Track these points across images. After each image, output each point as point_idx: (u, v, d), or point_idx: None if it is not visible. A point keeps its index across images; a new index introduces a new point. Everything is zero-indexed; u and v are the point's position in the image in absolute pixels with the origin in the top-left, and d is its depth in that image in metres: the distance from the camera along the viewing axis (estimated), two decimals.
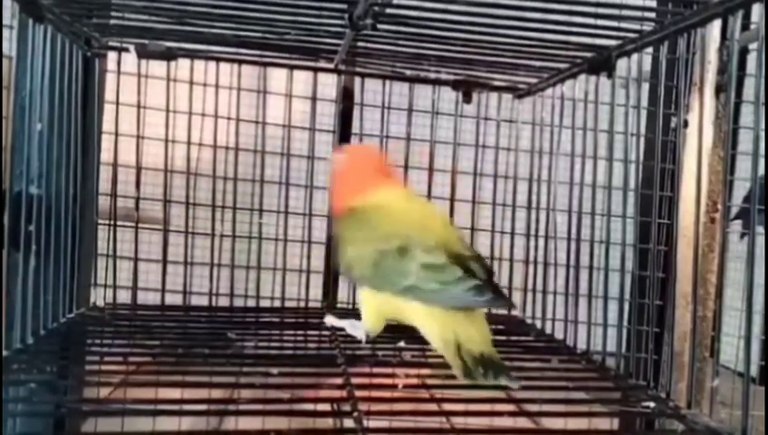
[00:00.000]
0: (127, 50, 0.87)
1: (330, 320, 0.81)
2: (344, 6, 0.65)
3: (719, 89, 0.97)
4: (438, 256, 0.63)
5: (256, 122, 0.98)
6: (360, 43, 0.80)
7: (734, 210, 1.18)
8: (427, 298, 0.63)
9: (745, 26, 1.04)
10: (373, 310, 0.70)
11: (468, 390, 0.59)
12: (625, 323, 0.78)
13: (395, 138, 1.00)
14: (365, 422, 0.51)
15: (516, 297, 0.98)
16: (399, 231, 0.66)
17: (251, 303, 0.95)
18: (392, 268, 0.64)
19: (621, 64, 0.74)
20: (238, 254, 0.95)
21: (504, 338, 0.88)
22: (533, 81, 0.92)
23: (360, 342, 0.75)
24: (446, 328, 0.61)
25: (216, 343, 0.74)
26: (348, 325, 0.77)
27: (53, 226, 0.75)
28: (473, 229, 1.00)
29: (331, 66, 0.93)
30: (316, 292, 1.01)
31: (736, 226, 1.16)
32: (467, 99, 0.97)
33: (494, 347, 0.61)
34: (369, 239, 0.67)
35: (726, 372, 1.09)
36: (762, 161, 0.53)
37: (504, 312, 0.99)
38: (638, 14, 0.67)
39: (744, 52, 1.15)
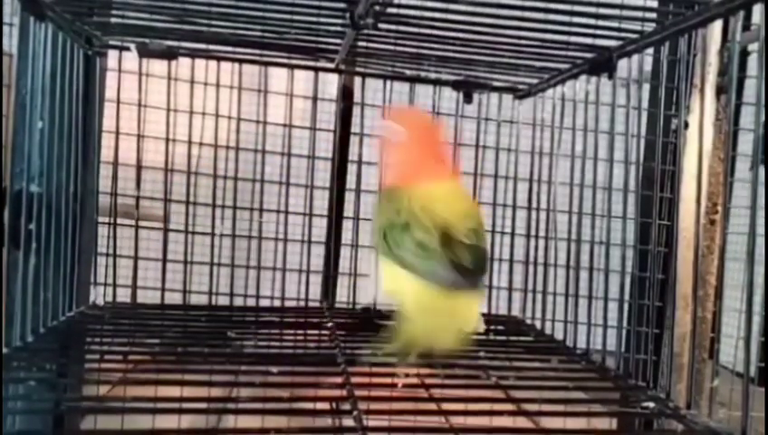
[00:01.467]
0: (128, 48, 0.87)
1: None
2: (345, 6, 0.65)
3: (720, 90, 0.97)
4: (430, 238, 0.67)
5: (257, 121, 0.98)
6: (360, 43, 0.80)
7: (734, 211, 1.18)
8: (411, 269, 0.68)
9: (746, 27, 1.04)
10: (385, 275, 0.74)
11: (467, 389, 0.59)
12: (625, 323, 0.78)
13: None
14: (364, 421, 0.51)
15: (516, 298, 0.98)
16: (412, 209, 0.70)
17: (250, 302, 0.95)
18: (393, 240, 0.69)
19: (622, 65, 0.74)
20: (238, 253, 0.95)
21: (504, 338, 0.88)
22: (534, 81, 0.92)
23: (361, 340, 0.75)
24: (421, 303, 0.66)
25: (216, 342, 0.74)
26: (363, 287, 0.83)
27: (54, 224, 0.75)
28: None
29: (332, 66, 0.93)
30: (316, 291, 1.01)
31: (737, 227, 1.16)
32: (468, 99, 0.97)
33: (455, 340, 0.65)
34: (388, 212, 0.72)
35: (725, 372, 1.09)
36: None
37: (504, 312, 0.99)
38: (639, 14, 0.67)
39: (744, 54, 1.15)
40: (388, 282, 0.72)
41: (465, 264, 0.66)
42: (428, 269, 0.66)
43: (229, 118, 0.97)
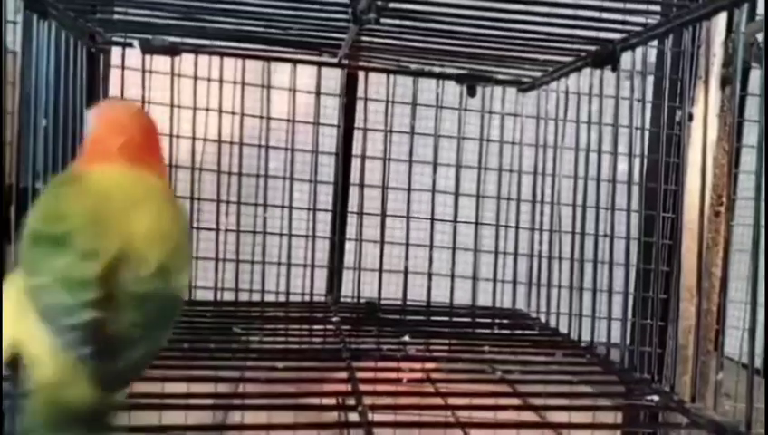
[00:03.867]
0: (131, 45, 0.87)
1: None
2: (347, 1, 0.65)
3: (725, 81, 0.96)
4: (89, 268, 0.43)
5: (260, 117, 0.98)
6: (363, 38, 0.80)
7: (739, 202, 1.18)
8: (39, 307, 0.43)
9: (752, 18, 1.04)
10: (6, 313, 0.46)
11: (472, 384, 0.60)
12: (629, 316, 0.78)
13: (399, 132, 1.00)
14: (370, 416, 0.52)
15: (521, 291, 0.98)
16: (72, 217, 0.46)
17: (256, 297, 0.95)
18: (33, 257, 0.45)
19: (626, 57, 0.73)
20: (243, 248, 0.95)
21: (508, 332, 0.88)
22: (538, 74, 0.92)
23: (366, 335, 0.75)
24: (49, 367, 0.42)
25: (222, 338, 0.75)
26: None
27: None
28: (477, 223, 1.00)
29: (335, 60, 0.93)
30: (321, 286, 1.01)
31: (742, 218, 1.16)
32: (471, 92, 0.97)
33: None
34: (38, 208, 0.48)
35: (731, 363, 1.09)
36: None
37: (508, 305, 0.99)
38: (643, 7, 0.66)
39: (750, 45, 1.14)
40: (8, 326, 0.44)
41: (112, 333, 0.41)
42: (64, 322, 0.41)
43: (233, 114, 0.97)
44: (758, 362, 0.55)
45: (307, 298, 0.97)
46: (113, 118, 0.54)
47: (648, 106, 0.86)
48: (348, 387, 0.58)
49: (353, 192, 1.04)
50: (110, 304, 0.42)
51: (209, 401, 0.55)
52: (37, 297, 0.43)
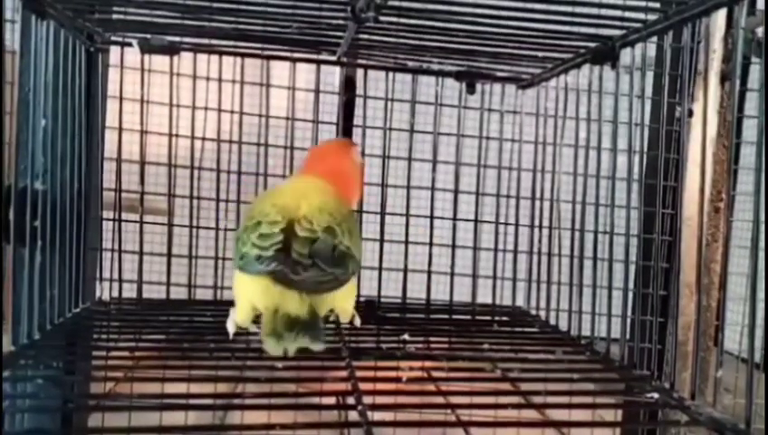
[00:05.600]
0: (130, 44, 0.87)
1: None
2: None
3: (724, 77, 0.96)
4: (273, 229, 0.64)
5: (259, 115, 0.98)
6: (362, 36, 0.80)
7: (739, 198, 1.18)
8: (243, 264, 0.64)
9: (751, 13, 1.03)
10: (236, 292, 0.69)
11: (472, 382, 0.60)
12: (629, 313, 0.78)
13: (398, 129, 1.00)
14: (370, 415, 0.52)
15: (521, 288, 0.98)
16: (263, 208, 0.67)
17: None
18: (242, 241, 0.65)
19: (625, 53, 0.73)
20: None
21: (508, 329, 0.89)
22: (537, 71, 0.91)
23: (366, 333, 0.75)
24: (268, 296, 0.62)
25: (222, 338, 0.74)
26: (229, 317, 0.72)
27: (58, 221, 0.76)
28: (476, 220, 1.00)
29: (334, 58, 0.93)
30: None
31: (741, 214, 1.16)
32: (471, 90, 0.97)
33: (317, 314, 0.61)
34: (244, 221, 0.68)
35: (731, 359, 1.09)
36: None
37: (508, 302, 0.99)
38: (643, 3, 0.66)
39: (750, 40, 1.14)
40: (237, 297, 0.68)
41: (296, 256, 0.62)
42: (257, 259, 0.62)
43: (231, 112, 0.97)
44: (758, 357, 0.56)
45: None
46: (322, 150, 0.84)
47: (648, 102, 0.85)
48: (348, 386, 0.58)
49: None
50: (289, 246, 0.62)
51: (209, 401, 0.55)
52: (244, 259, 0.64)
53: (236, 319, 0.68)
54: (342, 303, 0.70)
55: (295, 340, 0.57)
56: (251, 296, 0.65)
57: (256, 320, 0.66)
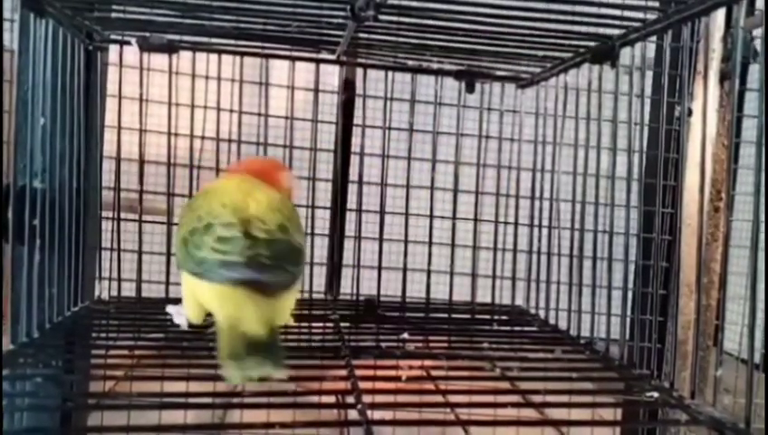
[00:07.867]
0: (129, 43, 0.87)
1: (168, 308, 0.80)
2: None
3: (724, 76, 0.96)
4: (232, 230, 0.61)
5: (258, 114, 0.98)
6: (361, 35, 0.80)
7: (739, 198, 1.18)
8: (203, 270, 0.61)
9: (751, 13, 1.04)
10: (187, 294, 0.68)
11: (472, 381, 0.60)
12: (629, 312, 0.78)
13: (397, 129, 1.00)
14: (369, 414, 0.52)
15: (520, 287, 0.98)
16: (212, 209, 0.64)
17: None
18: (195, 244, 0.63)
19: (625, 52, 0.73)
20: None
21: (507, 328, 0.88)
22: (536, 70, 0.91)
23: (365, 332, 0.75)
24: (230, 304, 0.59)
25: None
26: (174, 312, 0.77)
27: (57, 219, 0.76)
28: (476, 220, 1.00)
29: (333, 57, 0.93)
30: (320, 283, 1.01)
31: (741, 214, 1.16)
32: (470, 89, 0.97)
33: (275, 331, 0.57)
34: (189, 222, 0.66)
35: (731, 359, 1.09)
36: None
37: (507, 302, 0.99)
38: (642, 3, 0.66)
39: (749, 40, 1.14)
40: (189, 299, 0.68)
41: (262, 260, 0.60)
42: (222, 266, 0.59)
43: (231, 111, 0.96)
44: (757, 358, 0.56)
45: (306, 295, 0.96)
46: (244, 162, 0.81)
47: (647, 102, 0.85)
48: (347, 385, 0.58)
49: (352, 189, 1.04)
50: (249, 249, 0.60)
51: (208, 400, 0.55)
52: (203, 265, 0.61)
53: (188, 316, 0.69)
54: (291, 303, 0.68)
55: (258, 366, 0.53)
56: (208, 303, 0.63)
57: (209, 315, 0.66)
